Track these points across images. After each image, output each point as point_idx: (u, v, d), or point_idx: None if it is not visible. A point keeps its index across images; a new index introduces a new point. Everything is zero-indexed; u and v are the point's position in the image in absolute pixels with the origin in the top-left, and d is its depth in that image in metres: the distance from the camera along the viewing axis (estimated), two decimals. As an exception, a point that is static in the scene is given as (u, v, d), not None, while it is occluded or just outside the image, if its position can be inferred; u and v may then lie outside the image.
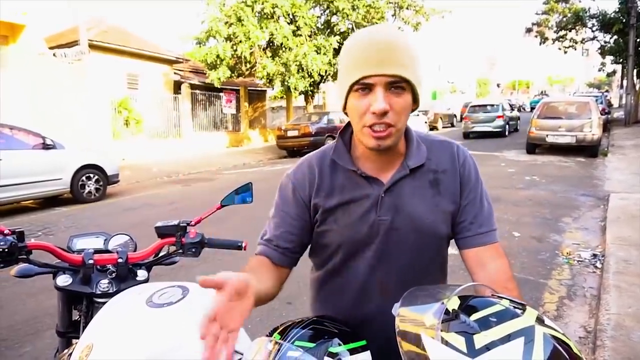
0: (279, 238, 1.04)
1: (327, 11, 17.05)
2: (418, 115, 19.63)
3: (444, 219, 1.01)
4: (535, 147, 12.34)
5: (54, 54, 12.20)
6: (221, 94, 18.30)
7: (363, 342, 0.83)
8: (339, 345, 0.80)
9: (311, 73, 15.94)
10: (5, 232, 1.13)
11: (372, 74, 0.86)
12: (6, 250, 1.10)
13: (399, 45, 0.87)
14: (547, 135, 11.80)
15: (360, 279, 1.03)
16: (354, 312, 1.04)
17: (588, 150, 11.44)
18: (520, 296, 0.94)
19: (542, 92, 59.26)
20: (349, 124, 1.05)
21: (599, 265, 4.06)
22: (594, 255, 4.31)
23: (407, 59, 0.88)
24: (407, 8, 17.54)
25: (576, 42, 22.84)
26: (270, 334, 0.86)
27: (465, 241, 1.02)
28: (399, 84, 0.87)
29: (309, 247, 1.11)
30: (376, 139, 0.90)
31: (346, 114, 0.99)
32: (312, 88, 18.16)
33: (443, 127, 24.67)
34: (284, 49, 15.79)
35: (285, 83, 16.24)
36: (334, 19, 17.01)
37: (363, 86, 0.88)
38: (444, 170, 1.02)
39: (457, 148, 1.05)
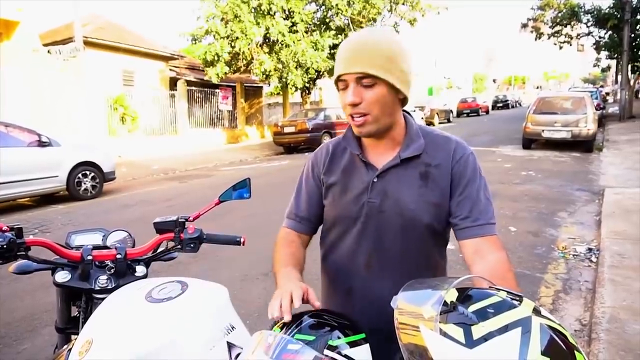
0: (299, 210, 1.23)
1: (323, 7, 17.00)
2: (415, 111, 19.65)
3: (427, 209, 1.07)
4: (531, 142, 12.39)
5: (48, 51, 12.12)
6: (217, 90, 18.24)
7: (362, 335, 0.84)
8: (338, 338, 0.81)
9: (308, 69, 15.91)
10: (3, 228, 1.12)
11: (343, 72, 1.02)
12: (5, 246, 1.09)
13: (370, 46, 1.00)
14: (542, 131, 11.84)
15: (350, 253, 1.15)
16: (344, 282, 1.17)
17: (583, 145, 11.50)
18: (518, 288, 0.97)
19: (538, 87, 59.36)
20: None
21: (594, 259, 4.09)
22: (590, 250, 4.34)
23: (376, 58, 0.99)
24: (403, 4, 17.52)
25: (571, 38, 22.86)
26: (270, 328, 0.86)
27: (463, 232, 1.06)
28: (366, 80, 1.00)
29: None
30: (356, 126, 1.06)
31: None
32: (309, 84, 18.13)
33: (439, 123, 24.65)
34: (280, 45, 15.73)
35: (283, 79, 16.20)
36: (329, 14, 16.96)
37: (341, 84, 1.04)
38: (437, 165, 1.09)
39: (457, 145, 1.11)
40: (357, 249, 1.13)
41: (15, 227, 1.15)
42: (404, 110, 1.14)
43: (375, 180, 1.09)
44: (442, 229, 1.12)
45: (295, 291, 0.91)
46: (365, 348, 0.83)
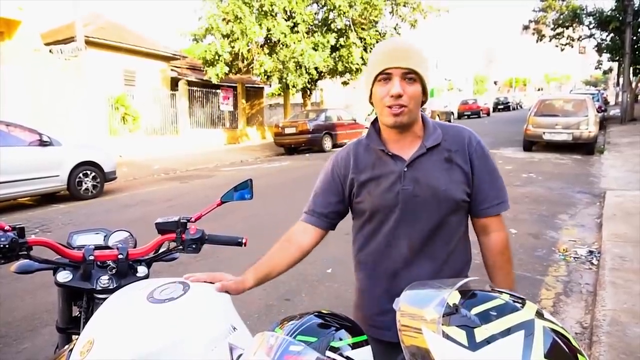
0: (316, 205, 1.33)
1: (325, 8, 17.00)
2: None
3: (457, 187, 1.22)
4: (532, 144, 12.37)
5: (50, 50, 12.13)
6: (218, 91, 18.25)
7: (364, 337, 0.84)
8: (340, 340, 0.81)
9: (308, 70, 15.91)
10: (5, 228, 1.12)
11: (391, 66, 1.14)
12: (7, 246, 1.09)
13: (412, 49, 1.16)
14: (543, 133, 11.82)
15: (391, 239, 1.25)
16: (389, 267, 1.26)
17: (584, 147, 11.47)
18: (512, 264, 1.29)
19: (539, 89, 59.46)
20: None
21: (595, 261, 4.08)
22: (590, 252, 4.33)
23: (418, 58, 1.16)
24: (404, 5, 17.49)
25: (573, 40, 22.85)
26: (272, 329, 0.86)
27: (480, 212, 1.27)
28: (411, 75, 1.14)
29: (352, 219, 1.36)
30: (394, 116, 1.16)
31: (371, 103, 1.24)
32: (309, 85, 18.12)
33: (440, 125, 24.57)
34: (281, 45, 15.74)
35: (284, 80, 16.20)
36: (331, 15, 16.97)
37: (384, 77, 1.15)
38: (456, 150, 1.23)
39: (470, 134, 1.27)
40: (397, 233, 1.24)
41: (17, 226, 1.14)
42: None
43: (405, 169, 1.21)
44: (468, 203, 1.26)
45: (220, 278, 1.15)
46: (367, 350, 0.83)
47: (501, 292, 0.71)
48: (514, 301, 0.68)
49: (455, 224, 1.26)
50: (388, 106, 1.15)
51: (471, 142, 1.24)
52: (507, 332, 0.61)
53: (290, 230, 1.34)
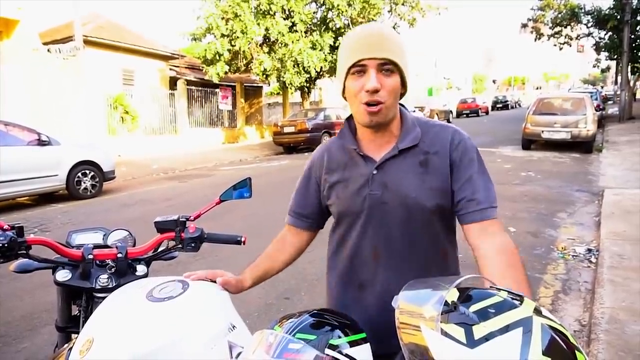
0: (297, 206, 1.28)
1: (323, 7, 17.00)
2: (414, 111, 19.66)
3: (430, 195, 1.08)
4: (530, 143, 12.40)
5: (48, 50, 12.11)
6: (217, 90, 18.23)
7: (363, 335, 0.84)
8: (339, 337, 0.81)
9: (307, 69, 15.91)
10: (4, 227, 1.12)
11: (365, 57, 1.01)
12: (6, 245, 1.09)
13: (388, 36, 1.03)
14: (542, 131, 11.85)
15: (357, 247, 1.16)
16: (355, 277, 1.18)
17: (583, 146, 11.50)
18: (524, 268, 0.99)
19: (537, 87, 59.62)
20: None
21: (593, 259, 4.09)
22: (589, 250, 4.34)
23: (395, 47, 1.03)
24: (403, 4, 17.51)
25: (571, 39, 22.87)
26: (271, 327, 0.86)
27: (467, 216, 1.07)
28: (388, 66, 1.02)
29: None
30: (369, 115, 1.04)
31: (345, 98, 1.13)
32: (308, 84, 18.12)
33: (439, 123, 24.59)
34: (280, 44, 15.75)
35: (281, 79, 16.21)
36: (329, 15, 16.97)
37: (358, 69, 1.02)
38: (435, 152, 1.10)
39: (454, 132, 1.12)
40: (363, 242, 1.14)
41: (16, 225, 1.15)
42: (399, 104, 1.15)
43: (374, 172, 1.10)
44: (449, 214, 1.12)
45: (220, 275, 1.13)
46: (366, 347, 0.83)
47: (499, 290, 0.71)
48: (512, 298, 0.68)
49: (430, 237, 1.11)
50: (364, 103, 1.03)
51: (454, 141, 1.09)
52: (506, 329, 0.61)
53: (283, 231, 1.32)
